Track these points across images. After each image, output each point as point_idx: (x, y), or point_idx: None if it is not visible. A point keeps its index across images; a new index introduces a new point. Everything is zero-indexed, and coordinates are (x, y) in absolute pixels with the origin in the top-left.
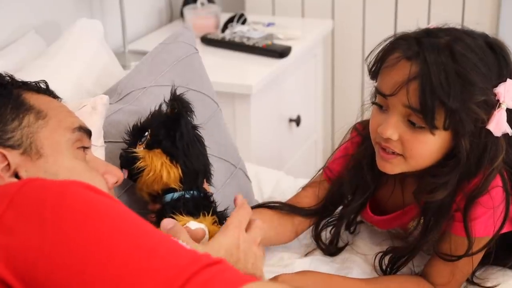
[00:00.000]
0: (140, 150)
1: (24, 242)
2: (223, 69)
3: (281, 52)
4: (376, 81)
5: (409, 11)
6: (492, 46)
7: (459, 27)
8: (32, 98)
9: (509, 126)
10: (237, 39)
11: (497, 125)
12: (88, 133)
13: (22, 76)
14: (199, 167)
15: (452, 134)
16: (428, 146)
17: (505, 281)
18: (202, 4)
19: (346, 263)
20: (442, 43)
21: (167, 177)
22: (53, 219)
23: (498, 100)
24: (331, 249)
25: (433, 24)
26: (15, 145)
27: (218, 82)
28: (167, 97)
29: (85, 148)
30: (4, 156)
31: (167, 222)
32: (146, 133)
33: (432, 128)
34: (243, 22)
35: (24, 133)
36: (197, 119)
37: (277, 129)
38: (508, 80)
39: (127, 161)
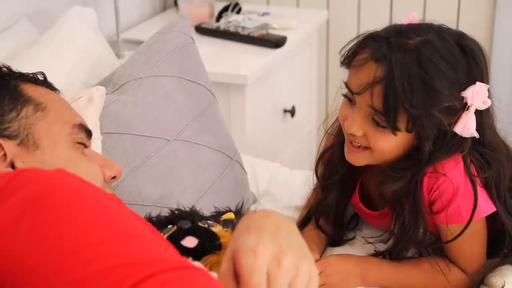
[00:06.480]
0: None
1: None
2: (217, 59)
3: (276, 42)
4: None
5: (404, 1)
6: (463, 47)
7: (436, 23)
8: (30, 90)
9: (475, 131)
10: (231, 29)
11: (465, 127)
12: (89, 133)
13: (14, 64)
14: None
15: (415, 135)
16: (391, 143)
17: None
18: None
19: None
20: (410, 46)
21: None
22: (31, 211)
23: (466, 103)
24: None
25: (409, 19)
26: (12, 135)
27: (212, 72)
28: (164, 87)
29: (83, 144)
30: (0, 146)
31: None
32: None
33: (394, 129)
34: (238, 12)
35: (22, 124)
36: (194, 110)
37: (272, 119)
38: (478, 83)
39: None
